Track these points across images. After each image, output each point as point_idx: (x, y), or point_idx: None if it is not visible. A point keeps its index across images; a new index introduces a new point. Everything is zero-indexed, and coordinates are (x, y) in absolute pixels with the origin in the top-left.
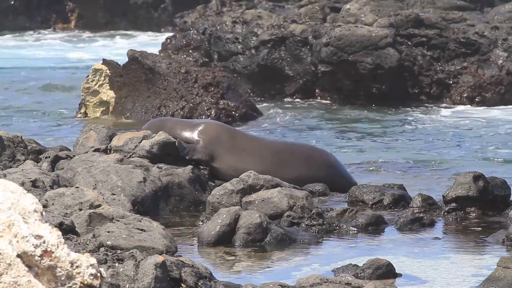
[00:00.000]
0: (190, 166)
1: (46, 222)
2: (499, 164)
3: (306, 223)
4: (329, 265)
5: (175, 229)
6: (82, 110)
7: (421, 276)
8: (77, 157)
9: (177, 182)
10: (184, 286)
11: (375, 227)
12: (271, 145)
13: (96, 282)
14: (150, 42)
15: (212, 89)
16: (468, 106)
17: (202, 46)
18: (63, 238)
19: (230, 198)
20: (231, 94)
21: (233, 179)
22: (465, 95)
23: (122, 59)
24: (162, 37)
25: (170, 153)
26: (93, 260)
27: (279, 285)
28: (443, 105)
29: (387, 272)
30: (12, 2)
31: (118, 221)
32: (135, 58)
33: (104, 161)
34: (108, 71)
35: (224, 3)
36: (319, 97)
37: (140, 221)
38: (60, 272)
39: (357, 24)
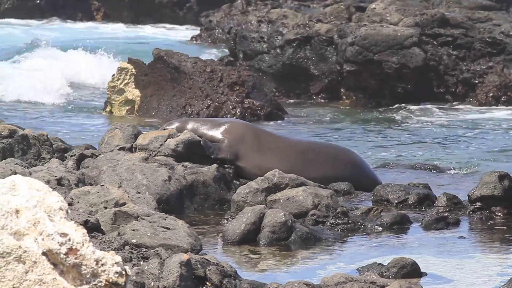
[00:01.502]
0: (215, 165)
1: (71, 220)
2: None
3: (331, 222)
4: (354, 264)
5: (200, 228)
6: (108, 109)
7: (446, 275)
8: (102, 155)
9: (202, 180)
10: (209, 284)
11: (400, 226)
12: (296, 144)
13: (121, 280)
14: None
15: (237, 88)
16: (494, 106)
17: (227, 45)
18: (88, 236)
19: (255, 196)
20: (256, 93)
21: (258, 177)
22: (491, 94)
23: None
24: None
25: (195, 152)
26: (118, 258)
27: (304, 283)
28: (469, 105)
29: (412, 271)
30: (38, 1)
31: (143, 219)
32: (160, 57)
33: (129, 159)
34: (133, 70)
35: (249, 2)
36: (344, 97)
37: (165, 220)
38: (85, 270)
39: (382, 23)
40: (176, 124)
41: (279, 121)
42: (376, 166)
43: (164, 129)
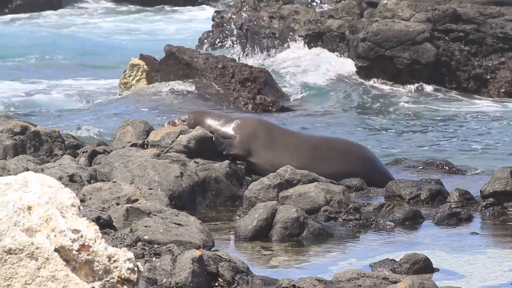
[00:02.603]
0: (227, 161)
1: (83, 216)
2: None
3: (343, 218)
4: (366, 259)
5: (212, 224)
6: None
7: (458, 271)
8: (114, 152)
9: (214, 177)
10: (221, 280)
11: (412, 222)
12: (308, 140)
13: (133, 277)
14: None
15: (249, 84)
16: (506, 100)
17: (239, 41)
18: (101, 232)
19: (267, 193)
20: (268, 89)
21: (270, 174)
22: (503, 90)
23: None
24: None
25: (207, 148)
26: (131, 255)
27: (316, 279)
28: (481, 100)
29: (424, 267)
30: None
31: (155, 215)
32: (172, 53)
33: (141, 156)
34: (145, 66)
35: None
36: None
37: (177, 216)
38: (97, 266)
39: (394, 19)
40: (188, 116)
41: (290, 117)
42: (388, 161)
43: (179, 119)
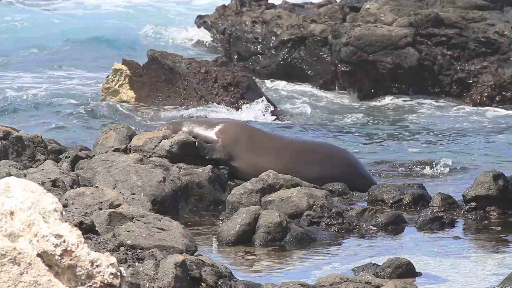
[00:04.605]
0: (209, 166)
1: (66, 221)
2: None
3: (326, 222)
4: (349, 264)
5: (195, 229)
6: None
7: (441, 275)
8: (97, 157)
9: (197, 181)
10: (204, 285)
11: (395, 226)
12: (291, 144)
13: (116, 281)
14: None
15: (232, 89)
16: (488, 107)
17: (221, 45)
18: (83, 237)
19: (250, 197)
20: (250, 94)
21: (253, 178)
22: (485, 94)
23: None
24: None
25: (190, 153)
26: (113, 260)
27: (299, 284)
28: (463, 105)
29: (407, 271)
30: None
31: (138, 220)
32: (155, 58)
33: (124, 160)
34: (128, 71)
35: (243, 2)
36: (338, 97)
37: (160, 221)
38: (80, 271)
39: (376, 23)
40: (167, 127)
41: (273, 121)
42: (370, 165)
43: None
